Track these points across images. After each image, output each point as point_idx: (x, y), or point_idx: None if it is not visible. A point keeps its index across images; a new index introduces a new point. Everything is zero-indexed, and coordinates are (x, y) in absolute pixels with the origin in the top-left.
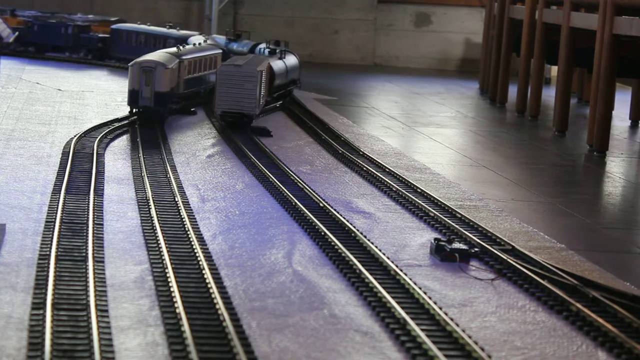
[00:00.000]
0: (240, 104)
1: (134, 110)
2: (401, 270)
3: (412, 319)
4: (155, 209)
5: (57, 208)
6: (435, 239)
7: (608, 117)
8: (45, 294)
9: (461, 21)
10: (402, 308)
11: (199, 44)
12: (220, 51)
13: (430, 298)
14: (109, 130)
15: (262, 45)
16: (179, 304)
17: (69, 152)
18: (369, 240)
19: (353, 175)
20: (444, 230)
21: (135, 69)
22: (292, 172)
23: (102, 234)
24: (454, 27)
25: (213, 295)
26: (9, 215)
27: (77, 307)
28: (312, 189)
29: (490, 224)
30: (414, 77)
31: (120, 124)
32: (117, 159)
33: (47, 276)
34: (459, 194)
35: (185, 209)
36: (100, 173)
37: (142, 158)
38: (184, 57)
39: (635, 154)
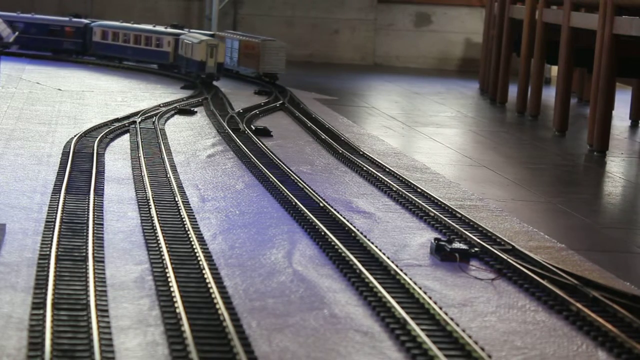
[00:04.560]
0: (275, 67)
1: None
2: (401, 270)
3: (412, 318)
4: (155, 208)
5: (57, 208)
6: (436, 239)
7: (608, 117)
8: (46, 293)
9: (461, 21)
10: (402, 308)
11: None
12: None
13: (430, 298)
14: (109, 130)
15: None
16: (179, 303)
17: (69, 152)
18: (369, 240)
19: (353, 175)
20: (444, 230)
21: (203, 45)
22: (292, 171)
23: (102, 233)
24: (454, 27)
25: (213, 295)
26: (9, 215)
27: (77, 307)
28: (312, 189)
29: (490, 224)
30: (414, 77)
31: (120, 124)
32: (117, 159)
33: (47, 276)
34: (459, 193)
35: (185, 209)
36: (101, 173)
37: (142, 158)
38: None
39: (635, 154)
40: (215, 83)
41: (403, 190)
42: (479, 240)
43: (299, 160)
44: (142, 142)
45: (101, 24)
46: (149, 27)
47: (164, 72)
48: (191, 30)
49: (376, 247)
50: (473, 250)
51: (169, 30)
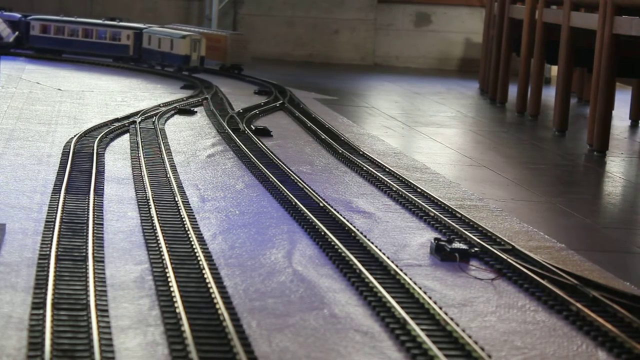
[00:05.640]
0: (240, 58)
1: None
2: (401, 270)
3: (412, 318)
4: (155, 208)
5: (57, 208)
6: (435, 239)
7: (608, 117)
8: (45, 293)
9: (461, 21)
10: (402, 308)
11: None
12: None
13: (430, 298)
14: (109, 130)
15: None
16: (179, 303)
17: (69, 151)
18: (369, 240)
19: (353, 175)
20: (444, 230)
21: (187, 40)
22: (292, 171)
23: (102, 233)
24: (454, 27)
25: (213, 295)
26: (9, 215)
27: (77, 307)
28: (312, 189)
29: (490, 224)
30: (414, 77)
31: (120, 124)
32: (117, 158)
33: (47, 276)
34: (459, 193)
35: (185, 209)
36: (100, 173)
37: (142, 158)
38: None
39: (635, 154)
40: (213, 82)
41: (403, 190)
42: (478, 240)
43: (299, 160)
44: (142, 142)
45: (40, 17)
46: (98, 21)
47: (125, 65)
48: (150, 25)
49: (376, 247)
50: (473, 250)
51: (128, 24)
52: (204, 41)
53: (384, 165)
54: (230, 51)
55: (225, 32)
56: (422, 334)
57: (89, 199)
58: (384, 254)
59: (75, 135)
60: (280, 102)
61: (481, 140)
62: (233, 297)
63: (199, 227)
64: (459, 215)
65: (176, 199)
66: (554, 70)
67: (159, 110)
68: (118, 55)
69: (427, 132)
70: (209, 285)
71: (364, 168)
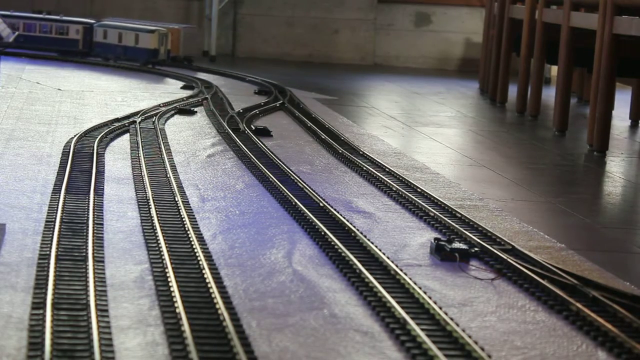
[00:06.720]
0: (191, 50)
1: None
2: (401, 270)
3: (412, 318)
4: (155, 208)
5: (57, 208)
6: (435, 239)
7: (608, 116)
8: (45, 293)
9: (461, 21)
10: (402, 308)
11: None
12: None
13: (430, 298)
14: (109, 130)
15: None
16: (179, 303)
17: (69, 151)
18: (369, 240)
19: (353, 175)
20: (444, 230)
21: (156, 35)
22: (292, 171)
23: (102, 233)
24: (454, 27)
25: (213, 295)
26: (9, 215)
27: (77, 307)
28: (312, 189)
29: (490, 224)
30: (414, 77)
31: (120, 124)
32: (117, 158)
33: (47, 276)
34: (459, 193)
35: (185, 209)
36: (100, 173)
37: (142, 158)
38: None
39: (635, 154)
40: (213, 82)
41: (403, 190)
42: (478, 240)
43: (299, 160)
44: (142, 142)
45: None
46: (39, 15)
47: (76, 59)
48: (99, 20)
49: (376, 247)
50: (473, 250)
51: (75, 19)
52: (169, 35)
53: (384, 165)
54: (183, 44)
55: (178, 25)
56: (422, 334)
57: (89, 199)
58: (384, 254)
59: (75, 135)
60: (280, 102)
61: (481, 140)
62: (233, 297)
63: (199, 227)
64: (459, 215)
65: (176, 199)
66: (554, 70)
67: (159, 110)
68: (66, 49)
69: (427, 132)
70: (209, 285)
71: (364, 168)
